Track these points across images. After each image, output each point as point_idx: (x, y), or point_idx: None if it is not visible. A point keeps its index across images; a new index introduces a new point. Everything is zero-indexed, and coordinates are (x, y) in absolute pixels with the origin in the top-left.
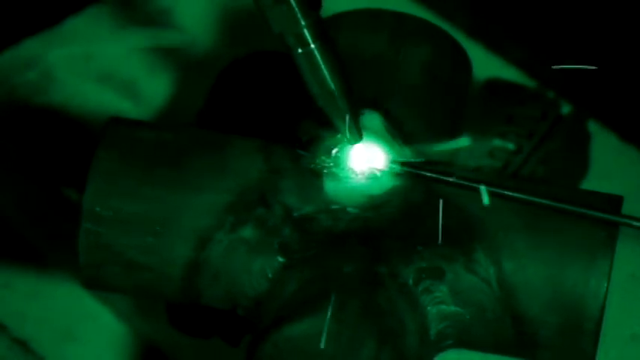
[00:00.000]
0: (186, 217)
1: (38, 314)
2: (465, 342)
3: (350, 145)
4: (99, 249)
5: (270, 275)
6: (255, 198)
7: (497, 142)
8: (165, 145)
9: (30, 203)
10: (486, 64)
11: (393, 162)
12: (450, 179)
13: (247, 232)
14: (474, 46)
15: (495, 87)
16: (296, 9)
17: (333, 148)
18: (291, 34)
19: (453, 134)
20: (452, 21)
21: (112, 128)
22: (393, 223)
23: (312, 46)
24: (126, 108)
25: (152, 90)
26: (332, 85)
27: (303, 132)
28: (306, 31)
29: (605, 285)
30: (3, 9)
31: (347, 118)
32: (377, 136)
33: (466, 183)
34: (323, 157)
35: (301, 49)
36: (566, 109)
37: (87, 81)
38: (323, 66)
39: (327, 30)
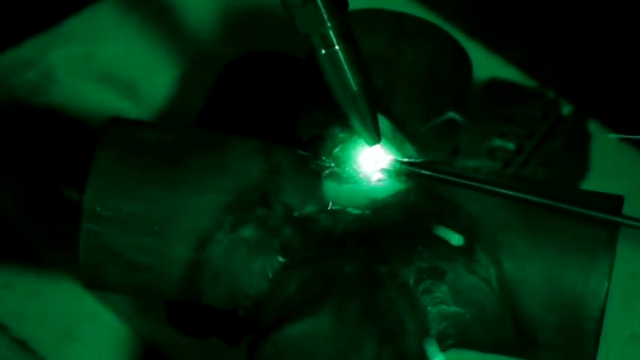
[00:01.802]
0: (186, 217)
1: (38, 314)
2: (465, 342)
3: (365, 145)
4: (99, 249)
5: (270, 275)
6: (256, 198)
7: (498, 142)
8: (165, 145)
9: (30, 203)
10: (486, 64)
11: (396, 162)
12: (452, 179)
13: (248, 232)
14: (474, 46)
15: (495, 87)
16: (323, 9)
17: (334, 149)
18: (317, 35)
19: (453, 134)
20: (452, 21)
21: (111, 128)
22: (393, 224)
23: (337, 47)
24: (126, 108)
25: (152, 90)
26: (354, 87)
27: (303, 132)
28: (331, 32)
29: (606, 285)
30: (3, 9)
31: (366, 119)
32: (385, 139)
33: (469, 183)
34: (324, 158)
35: (325, 49)
36: (566, 109)
37: (87, 81)
38: (346, 67)
39: (352, 32)
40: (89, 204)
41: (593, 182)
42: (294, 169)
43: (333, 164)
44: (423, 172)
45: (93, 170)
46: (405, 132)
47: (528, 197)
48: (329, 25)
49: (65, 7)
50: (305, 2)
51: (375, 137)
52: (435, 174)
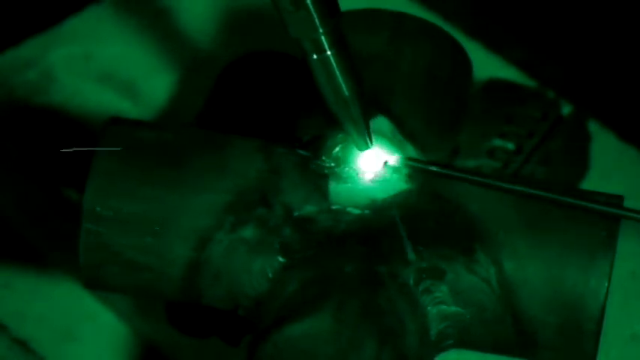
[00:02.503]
0: (186, 217)
1: (38, 314)
2: (465, 342)
3: (357, 150)
4: (99, 249)
5: (270, 275)
6: (256, 198)
7: (497, 142)
8: (165, 145)
9: (30, 203)
10: (486, 64)
11: (400, 159)
12: (455, 174)
13: (248, 232)
14: (474, 46)
15: (495, 87)
16: (314, 15)
17: (334, 148)
18: (308, 40)
19: (453, 134)
20: (452, 21)
21: (111, 128)
22: (394, 224)
23: (329, 52)
24: (126, 108)
25: (152, 90)
26: (346, 92)
27: (303, 132)
28: (323, 38)
29: (606, 285)
30: (3, 9)
31: (358, 124)
32: (385, 139)
33: (470, 177)
34: (324, 158)
35: (317, 55)
36: (566, 109)
37: (87, 81)
38: (338, 73)
39: (344, 37)
40: (89, 204)
41: (593, 182)
42: (294, 169)
43: (333, 164)
44: (428, 167)
45: (93, 170)
46: (405, 132)
47: (531, 191)
48: (321, 30)
49: (65, 7)
50: (297, 8)
51: (367, 142)
52: (438, 169)
